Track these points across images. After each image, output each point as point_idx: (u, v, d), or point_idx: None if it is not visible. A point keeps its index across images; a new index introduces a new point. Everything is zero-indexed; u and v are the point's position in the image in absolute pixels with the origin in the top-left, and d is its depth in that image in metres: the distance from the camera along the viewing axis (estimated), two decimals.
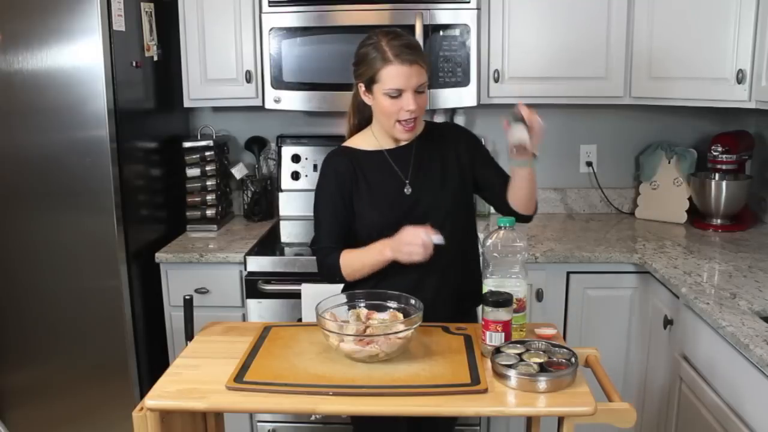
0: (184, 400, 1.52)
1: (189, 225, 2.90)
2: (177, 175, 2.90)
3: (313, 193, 3.01)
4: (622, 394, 1.85)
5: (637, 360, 2.51)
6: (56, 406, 2.59)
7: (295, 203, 3.09)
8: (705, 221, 2.81)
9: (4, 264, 2.50)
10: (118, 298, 2.49)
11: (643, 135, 3.08)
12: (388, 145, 1.95)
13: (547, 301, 2.52)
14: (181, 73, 2.79)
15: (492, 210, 2.82)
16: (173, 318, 2.62)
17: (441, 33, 2.61)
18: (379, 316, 1.71)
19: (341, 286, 1.98)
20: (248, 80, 2.77)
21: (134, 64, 2.56)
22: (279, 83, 2.70)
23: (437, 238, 1.74)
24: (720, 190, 2.74)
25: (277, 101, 2.72)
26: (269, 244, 2.74)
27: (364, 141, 1.97)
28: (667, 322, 2.23)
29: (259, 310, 2.53)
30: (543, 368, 1.52)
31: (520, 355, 1.59)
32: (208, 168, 2.89)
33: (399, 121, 1.84)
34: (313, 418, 2.53)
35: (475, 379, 1.54)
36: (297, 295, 2.44)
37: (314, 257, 2.49)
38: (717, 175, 2.77)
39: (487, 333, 1.65)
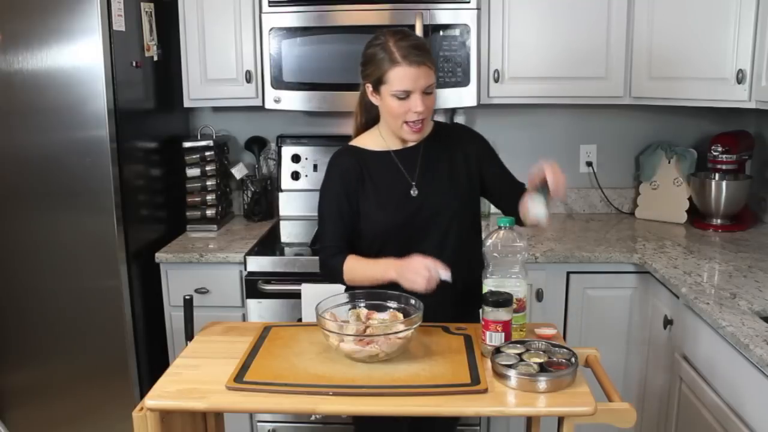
0: (184, 400, 1.52)
1: (189, 225, 2.90)
2: (177, 175, 2.90)
3: (313, 193, 3.05)
4: (622, 394, 1.85)
5: (637, 360, 2.51)
6: (56, 406, 2.59)
7: (295, 203, 3.09)
8: (705, 221, 2.81)
9: (4, 264, 2.50)
10: (118, 298, 2.49)
11: (643, 135, 3.08)
12: (395, 145, 1.94)
13: (547, 301, 2.52)
14: (181, 73, 2.79)
15: (492, 210, 2.82)
16: (173, 318, 2.62)
17: (441, 33, 2.61)
18: (379, 316, 1.71)
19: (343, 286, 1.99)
20: (248, 80, 2.77)
21: (134, 64, 2.56)
22: (279, 83, 2.70)
23: (444, 274, 1.72)
24: (720, 190, 2.74)
25: (277, 101, 2.72)
26: (269, 244, 2.74)
27: (372, 141, 1.96)
28: (667, 322, 2.23)
29: (259, 310, 2.53)
30: (543, 368, 1.52)
31: (520, 355, 1.59)
32: (208, 168, 2.89)
33: (406, 122, 1.83)
34: (313, 418, 2.53)
35: (475, 379, 1.54)
36: (297, 295, 2.44)
37: (314, 257, 2.52)
38: (717, 175, 2.77)
39: (487, 333, 1.65)
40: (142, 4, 2.61)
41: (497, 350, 1.61)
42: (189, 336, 1.86)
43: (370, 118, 1.99)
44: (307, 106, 2.75)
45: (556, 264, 2.49)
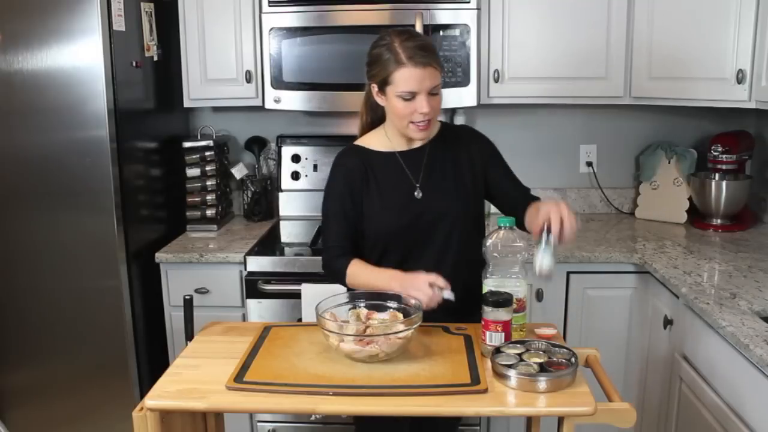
0: (184, 400, 1.52)
1: (189, 225, 2.90)
2: (177, 175, 2.90)
3: (313, 193, 3.06)
4: (622, 394, 1.85)
5: (637, 360, 2.51)
6: (56, 406, 2.59)
7: (295, 203, 3.09)
8: (705, 221, 2.81)
9: (4, 264, 2.50)
10: (118, 298, 2.49)
11: (643, 135, 3.08)
12: (400, 146, 1.93)
13: (547, 301, 2.52)
14: (181, 73, 2.79)
15: (492, 210, 2.81)
16: (173, 318, 2.62)
17: (441, 33, 2.61)
18: (379, 316, 1.71)
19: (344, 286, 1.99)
20: (248, 80, 2.77)
21: (134, 64, 2.56)
22: (279, 83, 2.70)
23: (447, 294, 1.72)
24: (720, 190, 2.74)
25: (277, 101, 2.72)
26: (269, 244, 2.74)
27: (377, 141, 1.95)
28: (667, 322, 2.23)
29: (259, 310, 2.53)
30: (543, 368, 1.52)
31: (520, 355, 1.59)
32: (208, 168, 2.89)
33: (412, 122, 1.82)
34: (313, 418, 2.53)
35: (475, 379, 1.54)
36: (297, 295, 2.44)
37: (314, 257, 2.52)
38: (717, 175, 2.77)
39: (487, 333, 1.65)
40: (142, 4, 2.61)
41: (497, 350, 1.61)
42: (189, 336, 1.86)
43: (376, 117, 1.98)
44: (307, 106, 2.75)
45: (556, 264, 2.48)
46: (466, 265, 1.87)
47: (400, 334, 1.61)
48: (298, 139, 3.10)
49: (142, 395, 1.99)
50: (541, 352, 1.60)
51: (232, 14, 2.73)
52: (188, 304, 1.88)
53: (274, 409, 1.75)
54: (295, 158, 3.08)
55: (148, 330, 2.64)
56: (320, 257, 2.47)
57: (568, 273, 2.52)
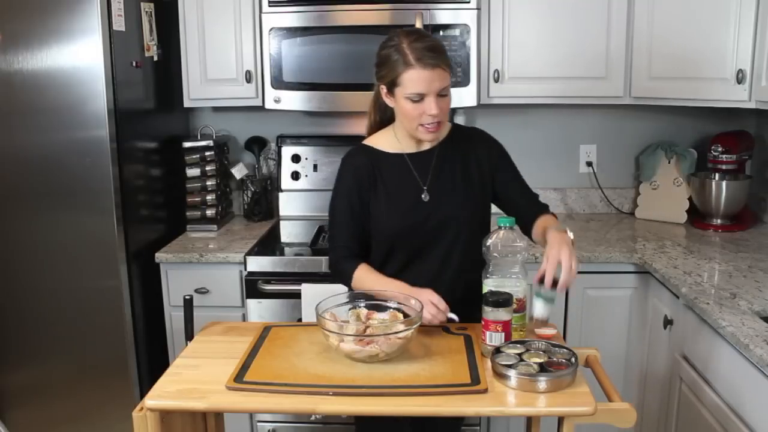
0: (184, 400, 1.52)
1: (189, 225, 2.90)
2: (177, 175, 2.90)
3: (313, 193, 3.06)
4: (622, 394, 1.85)
5: (637, 360, 2.51)
6: (56, 406, 2.59)
7: (295, 203, 3.09)
8: (705, 221, 2.81)
9: (4, 264, 2.50)
10: (118, 298, 2.49)
11: (643, 135, 3.08)
12: (409, 148, 1.92)
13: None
14: (181, 73, 2.79)
15: (493, 209, 2.81)
16: (173, 318, 2.62)
17: (441, 33, 2.61)
18: (379, 316, 1.71)
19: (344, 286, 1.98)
20: (248, 80, 2.77)
21: (134, 64, 2.56)
22: (279, 83, 2.70)
23: (452, 314, 1.74)
24: (720, 190, 2.74)
25: (277, 101, 2.72)
26: (269, 244, 2.74)
27: (386, 142, 1.94)
28: (667, 322, 2.23)
29: (259, 310, 2.53)
30: (543, 368, 1.52)
31: (520, 355, 1.59)
32: (208, 168, 2.89)
33: (422, 124, 1.80)
34: (313, 418, 2.53)
35: (475, 379, 1.54)
36: (297, 295, 2.44)
37: (314, 257, 2.52)
38: (717, 175, 2.77)
39: (487, 333, 1.65)
40: (142, 4, 2.61)
41: (497, 350, 1.61)
42: (189, 336, 1.86)
43: (385, 117, 1.97)
44: (307, 106, 2.75)
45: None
46: (471, 265, 1.86)
47: (400, 334, 1.61)
48: (298, 139, 3.10)
49: (142, 395, 1.99)
50: (541, 352, 1.60)
51: (232, 14, 2.73)
52: (188, 304, 1.88)
53: (274, 409, 1.75)
54: (295, 158, 3.08)
55: (148, 330, 2.64)
56: (320, 257, 2.50)
57: None
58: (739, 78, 2.41)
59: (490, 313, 1.64)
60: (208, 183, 2.90)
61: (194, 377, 1.61)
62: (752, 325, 1.75)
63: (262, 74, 2.74)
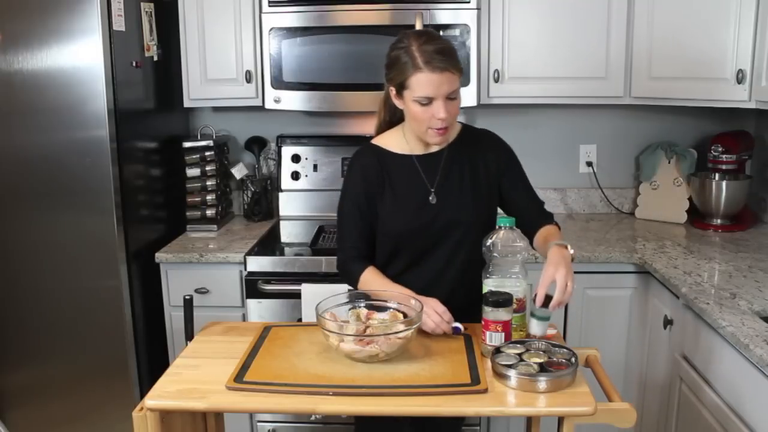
0: (184, 400, 1.52)
1: (189, 225, 2.90)
2: (177, 175, 2.90)
3: (313, 193, 3.07)
4: (622, 394, 1.85)
5: (637, 360, 2.51)
6: (56, 406, 2.59)
7: (295, 203, 3.09)
8: (705, 221, 2.81)
9: (4, 264, 2.50)
10: (118, 298, 2.49)
11: (643, 135, 3.08)
12: (418, 150, 1.91)
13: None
14: (181, 73, 2.79)
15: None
16: (173, 318, 2.62)
17: (441, 33, 2.61)
18: (379, 316, 1.71)
19: (344, 286, 1.98)
20: (248, 80, 2.77)
21: (134, 64, 2.56)
22: (279, 83, 2.70)
23: (456, 325, 1.74)
24: (720, 190, 2.74)
25: (277, 101, 2.72)
26: (269, 244, 2.74)
27: (395, 142, 1.93)
28: (667, 322, 2.23)
29: (259, 310, 2.53)
30: (543, 368, 1.52)
31: (520, 355, 1.59)
32: (208, 168, 2.89)
33: (430, 127, 1.79)
34: (313, 418, 2.53)
35: (475, 379, 1.54)
36: (297, 295, 2.44)
37: (314, 257, 2.52)
38: (717, 175, 2.77)
39: (487, 333, 1.65)
40: (142, 4, 2.61)
41: (497, 350, 1.61)
42: (189, 336, 1.86)
43: (394, 117, 1.96)
44: (307, 106, 2.75)
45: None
46: (474, 266, 1.86)
47: (400, 334, 1.61)
48: (298, 139, 3.10)
49: (142, 395, 1.99)
50: (541, 352, 1.60)
51: (232, 14, 2.73)
52: (188, 304, 1.88)
53: (274, 409, 1.75)
54: (295, 158, 3.08)
55: (148, 330, 2.64)
56: (320, 257, 2.51)
57: None
58: (739, 78, 2.41)
59: (490, 313, 1.64)
60: (208, 183, 2.90)
61: (194, 377, 1.61)
62: (752, 325, 1.75)
63: (262, 74, 2.74)
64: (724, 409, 1.80)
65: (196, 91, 2.81)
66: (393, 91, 1.82)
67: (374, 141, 1.97)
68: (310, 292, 2.39)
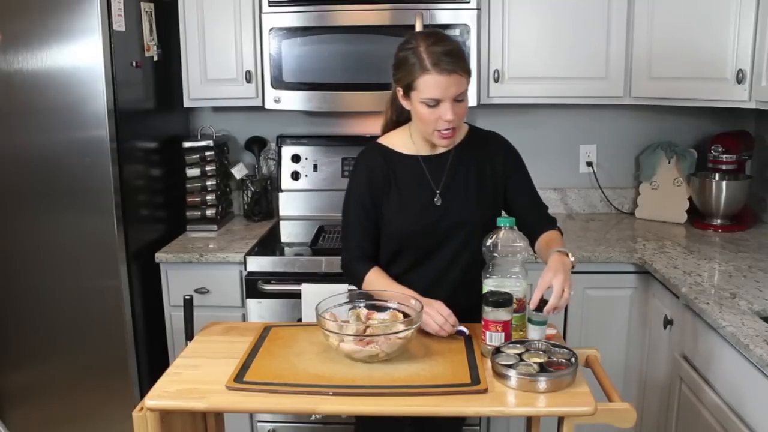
0: (184, 400, 1.52)
1: (189, 225, 2.90)
2: (177, 175, 2.90)
3: (313, 193, 3.07)
4: (622, 394, 1.85)
5: (637, 360, 2.51)
6: (56, 406, 2.59)
7: (295, 203, 3.09)
8: (705, 221, 2.81)
9: (4, 264, 2.50)
10: (118, 298, 2.49)
11: (643, 135, 3.08)
12: (424, 150, 1.90)
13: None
14: (181, 73, 2.79)
15: None
16: (173, 318, 2.62)
17: None
18: (379, 316, 1.72)
19: (344, 286, 1.98)
20: (248, 80, 2.77)
21: (134, 64, 2.56)
22: (279, 83, 2.70)
23: (460, 329, 1.74)
24: (720, 190, 2.74)
25: (277, 101, 2.72)
26: (269, 244, 2.74)
27: (401, 142, 1.92)
28: (667, 322, 2.23)
29: (259, 310, 2.53)
30: (543, 368, 1.52)
31: (520, 355, 1.59)
32: (208, 168, 2.89)
33: (437, 129, 1.78)
34: (313, 418, 2.53)
35: (475, 379, 1.54)
36: (297, 295, 2.44)
37: (314, 257, 2.52)
38: (717, 175, 2.77)
39: (487, 333, 1.65)
40: (142, 4, 2.61)
41: (497, 350, 1.61)
42: (189, 336, 1.86)
43: (401, 117, 1.95)
44: (307, 106, 2.75)
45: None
46: (478, 266, 1.85)
47: (400, 334, 1.61)
48: (298, 139, 3.10)
49: (142, 395, 1.99)
50: (541, 352, 1.60)
51: (232, 14, 2.73)
52: (188, 304, 1.88)
53: (274, 409, 1.75)
54: (295, 158, 3.08)
55: (148, 330, 2.64)
56: (320, 257, 2.51)
57: None
58: (739, 78, 2.41)
59: (490, 313, 1.64)
60: (208, 183, 2.90)
61: (194, 377, 1.61)
62: (752, 325, 1.75)
63: (262, 74, 2.74)
64: (724, 409, 1.80)
65: (196, 91, 2.81)
66: (400, 91, 1.82)
67: (380, 140, 1.96)
68: (310, 292, 2.39)
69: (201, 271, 2.58)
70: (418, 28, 2.53)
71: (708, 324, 1.89)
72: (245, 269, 2.54)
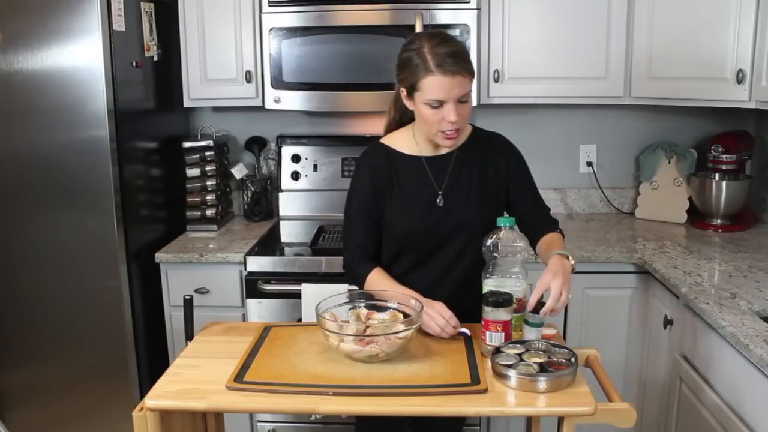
0: (184, 400, 1.52)
1: (189, 225, 2.90)
2: (177, 175, 2.90)
3: (313, 193, 3.07)
4: (622, 394, 1.85)
5: (637, 360, 2.51)
6: (56, 406, 2.58)
7: (295, 203, 3.09)
8: (705, 221, 2.81)
9: (4, 264, 2.50)
10: (118, 298, 2.49)
11: (643, 135, 3.08)
12: (427, 151, 1.90)
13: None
14: (181, 73, 2.79)
15: None
16: (173, 318, 2.62)
17: None
18: (379, 316, 1.71)
19: (344, 286, 1.98)
20: (248, 80, 2.77)
21: (134, 64, 2.56)
22: (279, 83, 2.70)
23: (462, 330, 1.74)
24: (720, 190, 2.74)
25: (277, 101, 2.72)
26: (269, 244, 2.74)
27: (404, 143, 1.92)
28: (667, 322, 2.23)
29: (259, 310, 2.53)
30: (543, 368, 1.52)
31: (520, 355, 1.59)
32: (208, 168, 2.89)
33: (441, 130, 1.78)
34: (313, 418, 2.53)
35: (475, 379, 1.54)
36: (297, 295, 2.44)
37: (314, 257, 2.52)
38: (717, 175, 2.77)
39: (487, 333, 1.65)
40: (142, 4, 2.61)
41: (497, 350, 1.61)
42: (189, 336, 1.86)
43: (405, 117, 1.95)
44: (307, 106, 2.75)
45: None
46: (480, 267, 1.85)
47: (400, 334, 1.61)
48: (298, 139, 3.10)
49: (142, 395, 1.99)
50: (541, 352, 1.60)
51: (232, 14, 2.73)
52: (188, 304, 1.88)
53: (274, 409, 1.75)
54: (295, 158, 3.08)
55: (148, 330, 2.64)
56: (320, 257, 2.51)
57: None
58: (739, 78, 2.41)
59: (490, 313, 1.64)
60: (208, 183, 2.90)
61: (194, 377, 1.61)
62: (752, 325, 1.75)
63: (262, 74, 2.74)
64: (724, 409, 1.80)
65: (196, 91, 2.81)
66: (404, 92, 1.81)
67: (383, 140, 1.96)
68: (310, 292, 2.39)
69: (201, 271, 2.58)
70: (418, 28, 2.53)
71: (708, 324, 1.89)
72: (245, 269, 2.54)
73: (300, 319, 2.45)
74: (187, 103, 2.84)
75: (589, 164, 3.12)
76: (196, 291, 2.56)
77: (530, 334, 1.69)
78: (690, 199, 2.89)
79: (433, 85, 1.71)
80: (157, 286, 2.62)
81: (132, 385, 2.56)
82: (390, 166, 1.89)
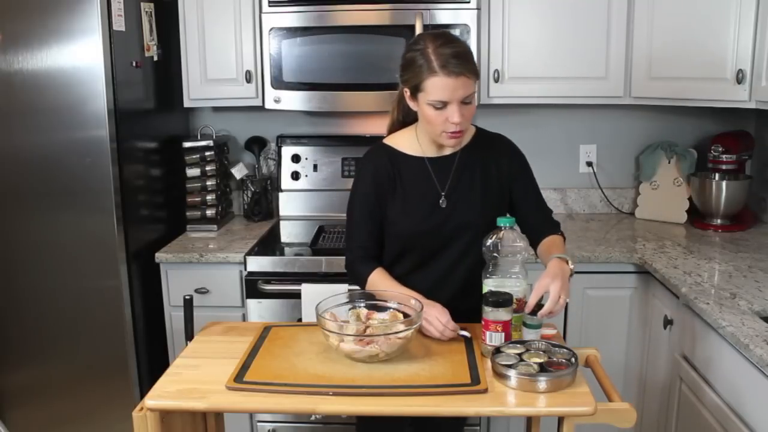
0: (184, 400, 1.52)
1: (189, 225, 2.90)
2: (177, 175, 2.90)
3: (313, 193, 3.07)
4: (622, 394, 1.85)
5: (637, 360, 2.51)
6: (56, 406, 2.59)
7: (295, 203, 3.09)
8: (705, 221, 2.81)
9: (4, 264, 2.50)
10: (118, 298, 2.49)
11: (643, 135, 3.08)
12: (431, 152, 1.90)
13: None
14: (181, 73, 2.79)
15: None
16: (173, 318, 2.62)
17: None
18: (379, 316, 1.71)
19: (344, 286, 1.98)
20: (248, 80, 2.77)
21: (134, 64, 2.56)
22: (279, 83, 2.70)
23: (463, 332, 1.74)
24: (720, 190, 2.74)
25: (277, 101, 2.72)
26: (269, 244, 2.74)
27: (407, 143, 1.91)
28: (667, 322, 2.23)
29: (259, 310, 2.53)
30: (543, 368, 1.52)
31: (520, 355, 1.59)
32: (208, 168, 2.89)
33: (444, 131, 1.77)
34: (313, 418, 2.53)
35: (475, 379, 1.54)
36: (297, 295, 2.44)
37: (314, 257, 2.52)
38: (717, 175, 2.77)
39: (487, 333, 1.65)
40: (142, 4, 2.61)
41: (497, 350, 1.61)
42: (189, 336, 1.86)
43: (408, 118, 1.94)
44: (307, 106, 2.75)
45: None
46: (481, 268, 1.85)
47: (400, 334, 1.61)
48: (298, 139, 3.10)
49: (142, 395, 1.99)
50: (541, 352, 1.60)
51: (232, 14, 2.73)
52: (188, 304, 1.88)
53: (274, 409, 1.75)
54: (295, 158, 3.08)
55: (148, 330, 2.64)
56: (320, 257, 2.51)
57: None
58: (739, 78, 2.41)
59: (490, 313, 1.64)
60: (208, 183, 2.90)
61: (194, 377, 1.61)
62: (752, 325, 1.75)
63: (262, 74, 2.74)
64: (724, 409, 1.80)
65: (196, 91, 2.81)
66: (407, 92, 1.81)
67: (386, 141, 1.95)
68: (310, 292, 2.39)
69: (201, 271, 2.58)
70: (418, 28, 2.53)
71: (708, 324, 1.89)
72: (245, 269, 2.54)
73: (300, 319, 2.45)
74: (187, 103, 2.84)
75: (589, 164, 3.12)
76: (196, 291, 2.56)
77: (528, 335, 1.69)
78: (690, 199, 2.89)
79: (437, 85, 1.71)
80: (157, 286, 2.62)
81: (132, 385, 2.56)
82: (393, 166, 1.89)
